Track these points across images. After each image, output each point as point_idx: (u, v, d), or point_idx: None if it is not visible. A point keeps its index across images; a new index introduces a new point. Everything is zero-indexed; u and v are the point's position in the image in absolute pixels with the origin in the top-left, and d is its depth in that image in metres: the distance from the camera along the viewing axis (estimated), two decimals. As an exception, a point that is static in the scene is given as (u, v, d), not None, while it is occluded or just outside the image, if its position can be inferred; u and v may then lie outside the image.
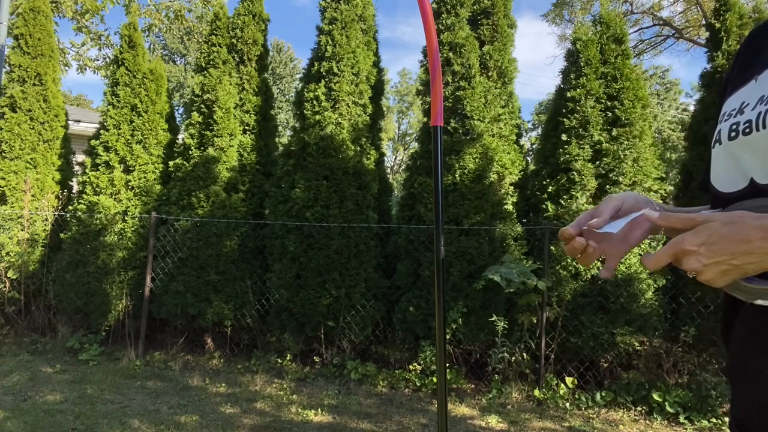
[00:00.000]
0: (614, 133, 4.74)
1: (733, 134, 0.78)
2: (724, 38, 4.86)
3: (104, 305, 5.49)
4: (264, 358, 5.26)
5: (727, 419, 4.06)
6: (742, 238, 0.67)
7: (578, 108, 4.82)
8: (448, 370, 4.62)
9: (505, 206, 4.93)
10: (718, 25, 4.95)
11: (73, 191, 6.33)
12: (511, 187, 5.08)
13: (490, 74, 5.29)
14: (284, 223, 5.23)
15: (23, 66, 6.04)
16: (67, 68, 12.29)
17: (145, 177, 5.80)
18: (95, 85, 74.67)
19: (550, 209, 4.76)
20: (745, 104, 0.77)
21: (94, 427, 3.69)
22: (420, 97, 5.67)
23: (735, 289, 0.72)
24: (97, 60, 12.58)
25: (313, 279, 5.05)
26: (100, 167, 5.77)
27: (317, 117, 5.30)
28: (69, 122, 6.71)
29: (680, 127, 25.03)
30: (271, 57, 26.04)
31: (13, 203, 5.83)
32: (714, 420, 4.10)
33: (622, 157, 4.67)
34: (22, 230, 5.83)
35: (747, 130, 0.75)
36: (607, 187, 4.70)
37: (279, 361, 5.21)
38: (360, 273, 5.08)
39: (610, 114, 4.80)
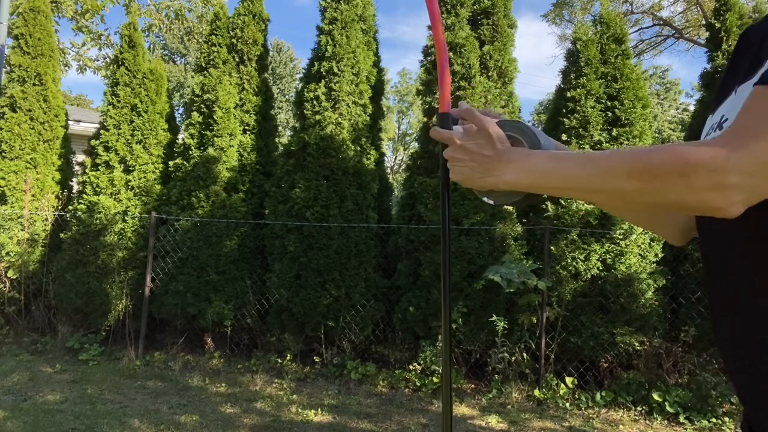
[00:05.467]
0: (614, 133, 4.74)
1: None
2: (724, 38, 4.86)
3: (104, 305, 5.49)
4: (264, 358, 5.25)
5: (727, 419, 4.07)
6: (489, 166, 0.85)
7: (578, 108, 4.83)
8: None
9: (505, 206, 4.93)
10: (718, 25, 4.96)
11: (73, 191, 6.33)
12: (511, 187, 5.07)
13: (490, 74, 5.29)
14: (284, 223, 5.23)
15: (23, 66, 6.04)
16: (67, 68, 12.28)
17: (145, 177, 5.80)
18: (95, 85, 74.68)
19: (550, 209, 4.76)
20: (725, 119, 0.79)
21: (94, 427, 3.69)
22: (420, 97, 5.67)
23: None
24: (97, 60, 12.57)
25: (313, 279, 5.05)
26: (100, 167, 5.77)
27: (317, 117, 5.30)
28: (69, 122, 6.71)
29: (680, 127, 25.05)
30: (271, 57, 26.04)
31: (13, 203, 5.83)
32: (714, 420, 4.10)
33: (622, 157, 4.67)
34: (22, 230, 5.83)
35: None
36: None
37: (279, 361, 5.21)
38: (360, 273, 5.08)
39: (610, 114, 4.81)
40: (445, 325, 0.98)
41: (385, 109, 9.01)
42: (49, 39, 6.28)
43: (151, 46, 12.97)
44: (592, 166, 0.75)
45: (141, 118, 5.85)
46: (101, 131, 5.90)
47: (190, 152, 5.67)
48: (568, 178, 0.78)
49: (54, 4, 10.34)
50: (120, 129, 5.80)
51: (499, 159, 0.85)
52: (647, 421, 4.17)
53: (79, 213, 5.68)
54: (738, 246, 0.75)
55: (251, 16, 6.05)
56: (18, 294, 5.75)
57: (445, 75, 0.99)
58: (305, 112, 5.41)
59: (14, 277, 5.74)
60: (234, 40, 5.98)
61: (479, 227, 4.80)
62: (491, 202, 0.94)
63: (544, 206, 4.83)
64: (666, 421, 4.17)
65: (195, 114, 5.78)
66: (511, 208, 4.97)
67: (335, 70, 5.35)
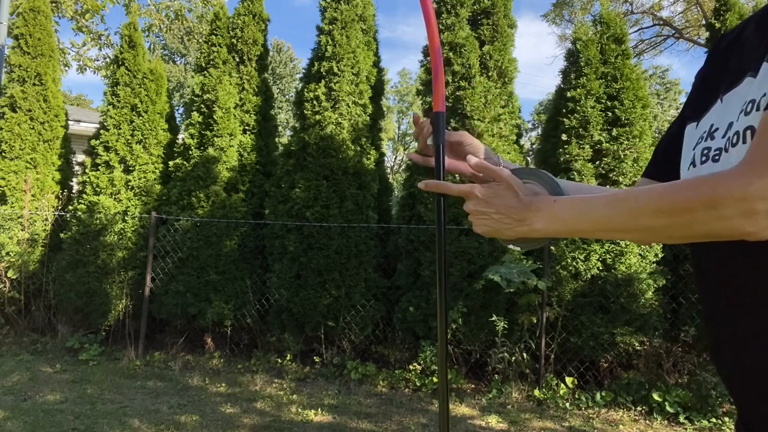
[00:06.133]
0: (614, 133, 4.74)
1: (703, 158, 0.80)
2: (724, 38, 4.86)
3: (104, 305, 5.49)
4: (264, 358, 5.25)
5: (727, 419, 4.07)
6: (518, 216, 0.86)
7: (578, 108, 4.82)
8: (448, 370, 4.61)
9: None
10: (718, 25, 4.96)
11: (73, 191, 6.33)
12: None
13: (490, 74, 5.29)
14: (284, 223, 5.23)
15: (23, 66, 6.04)
16: (67, 68, 12.29)
17: (145, 177, 5.80)
18: (95, 85, 74.74)
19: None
20: (714, 128, 0.80)
21: (94, 427, 3.69)
22: (420, 97, 5.67)
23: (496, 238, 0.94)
24: (97, 60, 12.59)
25: (313, 279, 5.05)
26: (100, 167, 5.77)
27: (317, 117, 5.30)
28: (69, 122, 6.71)
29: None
30: (271, 57, 26.02)
31: (13, 203, 5.83)
32: (714, 420, 4.10)
33: (622, 157, 4.67)
34: (22, 230, 5.83)
35: (717, 157, 0.78)
36: (607, 187, 4.70)
37: (279, 361, 5.21)
38: (360, 273, 5.08)
39: (610, 114, 4.81)
40: (441, 325, 0.98)
41: (385, 109, 9.01)
42: (49, 39, 6.28)
43: (151, 46, 12.98)
44: (621, 208, 0.77)
45: (141, 118, 5.85)
46: (101, 131, 5.90)
47: (190, 152, 5.67)
48: (599, 221, 0.80)
49: (54, 4, 10.34)
50: (120, 129, 5.80)
51: (528, 209, 0.86)
52: (647, 421, 4.17)
53: (79, 213, 5.68)
54: (739, 251, 0.75)
55: (251, 16, 6.05)
56: (18, 294, 5.75)
57: (439, 73, 0.99)
58: (305, 112, 5.41)
59: (14, 277, 5.74)
60: (234, 40, 5.98)
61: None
62: (518, 248, 0.95)
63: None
64: (666, 421, 4.16)
65: (195, 114, 5.78)
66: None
67: (335, 70, 5.35)
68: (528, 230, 0.86)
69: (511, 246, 0.95)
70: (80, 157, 6.58)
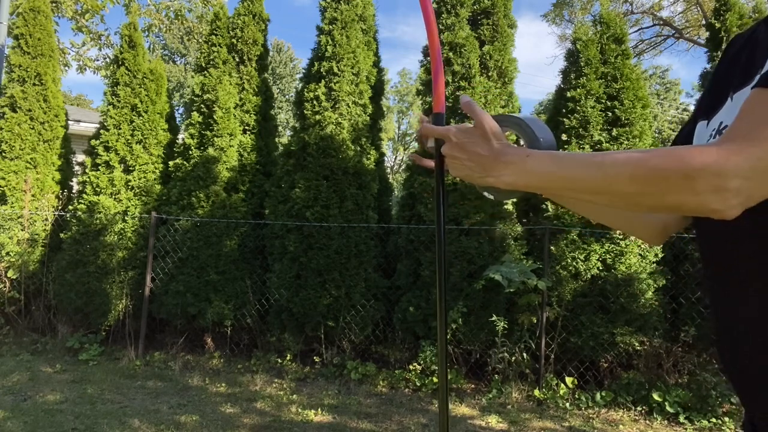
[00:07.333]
0: (614, 133, 4.74)
1: None
2: (724, 38, 4.86)
3: (104, 305, 5.49)
4: (264, 358, 5.25)
5: (727, 419, 4.07)
6: (487, 166, 0.84)
7: (578, 108, 4.82)
8: (448, 370, 4.60)
9: (505, 206, 4.94)
10: (718, 25, 4.96)
11: (73, 191, 6.33)
12: (511, 187, 5.07)
13: (490, 74, 5.29)
14: (284, 223, 5.23)
15: (23, 66, 6.04)
16: (67, 68, 12.28)
17: (145, 177, 5.80)
18: (95, 85, 74.77)
19: (550, 209, 4.76)
20: (723, 125, 0.81)
21: (94, 427, 3.69)
22: (420, 97, 5.67)
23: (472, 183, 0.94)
24: (97, 60, 12.58)
25: (313, 279, 5.05)
26: (100, 167, 5.77)
27: (317, 117, 5.30)
28: (69, 122, 6.71)
29: (680, 127, 25.04)
30: (271, 57, 25.99)
31: (13, 203, 5.83)
32: (714, 420, 4.10)
33: (622, 157, 4.67)
34: (22, 230, 5.82)
35: None
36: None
37: (279, 361, 5.21)
38: (360, 273, 5.08)
39: (610, 114, 4.81)
40: (440, 324, 0.98)
41: (385, 109, 9.01)
42: (49, 39, 6.28)
43: (151, 46, 12.97)
44: (595, 170, 0.75)
45: (141, 118, 5.84)
46: (101, 131, 5.90)
47: (190, 152, 5.67)
48: (571, 180, 0.78)
49: (54, 4, 10.34)
50: (120, 129, 5.80)
51: (497, 159, 0.83)
52: (647, 421, 4.16)
53: (79, 213, 5.68)
54: (748, 242, 0.75)
55: (251, 16, 6.05)
56: (18, 294, 5.75)
57: (439, 74, 0.99)
58: (305, 112, 5.41)
59: (14, 277, 5.74)
60: (234, 40, 5.98)
61: (479, 227, 4.80)
62: (491, 197, 0.94)
63: (544, 206, 4.83)
64: (666, 421, 4.16)
65: (195, 114, 5.78)
66: (511, 207, 4.98)
67: (335, 70, 5.35)
68: (495, 182, 0.84)
69: (485, 194, 0.95)
70: (80, 157, 6.58)
